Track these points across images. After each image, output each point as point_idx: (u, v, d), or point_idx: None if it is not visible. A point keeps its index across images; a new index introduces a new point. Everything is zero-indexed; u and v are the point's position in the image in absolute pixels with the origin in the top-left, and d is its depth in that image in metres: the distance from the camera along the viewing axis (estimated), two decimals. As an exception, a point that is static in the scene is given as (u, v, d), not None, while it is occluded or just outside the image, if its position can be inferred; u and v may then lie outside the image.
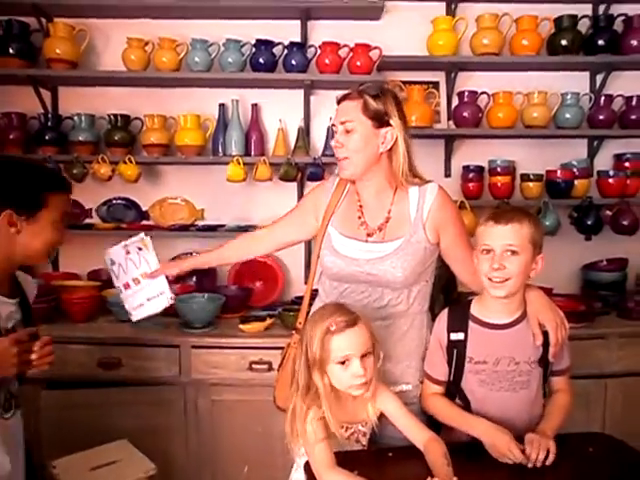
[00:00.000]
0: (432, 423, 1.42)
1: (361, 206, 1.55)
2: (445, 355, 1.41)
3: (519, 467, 1.23)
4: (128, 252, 1.73)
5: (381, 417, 1.36)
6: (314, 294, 1.66)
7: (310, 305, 1.64)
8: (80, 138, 2.52)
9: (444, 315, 1.44)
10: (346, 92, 1.51)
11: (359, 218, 1.54)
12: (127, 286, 1.73)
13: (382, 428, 1.38)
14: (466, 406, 1.40)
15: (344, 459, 1.23)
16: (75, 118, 2.54)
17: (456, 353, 1.39)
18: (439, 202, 1.49)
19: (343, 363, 1.26)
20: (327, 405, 1.27)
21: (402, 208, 1.51)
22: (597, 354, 2.25)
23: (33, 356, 1.21)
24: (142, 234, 1.77)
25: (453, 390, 1.43)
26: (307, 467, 1.27)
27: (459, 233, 1.52)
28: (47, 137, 2.51)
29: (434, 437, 1.28)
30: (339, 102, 1.51)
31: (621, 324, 2.36)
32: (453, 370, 1.41)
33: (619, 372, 2.27)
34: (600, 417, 2.28)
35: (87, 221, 2.65)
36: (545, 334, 1.37)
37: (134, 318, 1.75)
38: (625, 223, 2.57)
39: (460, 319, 1.41)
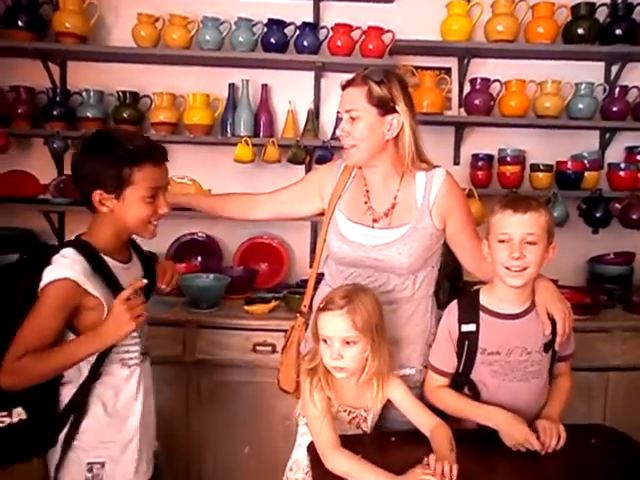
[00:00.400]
0: (436, 409, 1.42)
1: (367, 191, 1.54)
2: (455, 347, 1.40)
3: (524, 455, 1.24)
4: None
5: (385, 403, 1.36)
6: (320, 278, 1.66)
7: (315, 289, 1.64)
8: (88, 114, 2.50)
9: (454, 307, 1.43)
10: (350, 78, 1.48)
11: (365, 203, 1.53)
12: None
13: (385, 412, 1.39)
14: (475, 396, 1.40)
15: (347, 442, 1.24)
16: (84, 94, 2.52)
17: (467, 345, 1.38)
18: (446, 188, 1.48)
19: (326, 342, 1.29)
20: (324, 375, 1.30)
21: (409, 194, 1.50)
22: (601, 347, 2.25)
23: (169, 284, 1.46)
24: None
25: (461, 381, 1.42)
26: (310, 448, 1.27)
27: (466, 220, 1.52)
28: (55, 112, 2.49)
29: (440, 423, 1.29)
30: (343, 88, 1.48)
31: (626, 318, 2.36)
32: (464, 362, 1.40)
33: (622, 366, 2.27)
34: (601, 410, 2.29)
35: (93, 198, 2.64)
36: (552, 323, 1.37)
37: None
38: (634, 217, 2.54)
39: (470, 310, 1.40)
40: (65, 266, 1.23)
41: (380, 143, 1.46)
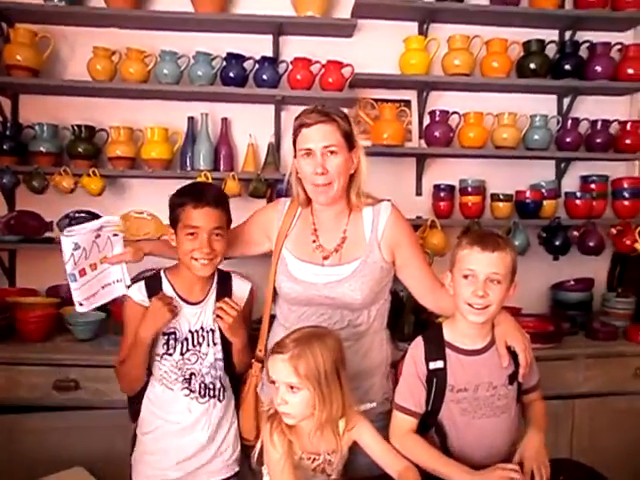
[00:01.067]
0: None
1: (316, 229, 1.53)
2: (424, 385, 1.36)
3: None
4: (98, 236, 1.56)
5: (351, 446, 1.32)
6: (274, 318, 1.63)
7: (269, 331, 1.61)
8: (41, 149, 2.42)
9: (420, 344, 1.39)
10: (313, 115, 1.44)
11: (314, 242, 1.52)
12: (83, 273, 1.54)
13: (351, 454, 1.34)
14: (442, 440, 1.36)
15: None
16: (36, 128, 2.43)
17: (436, 382, 1.35)
18: (393, 220, 1.50)
19: (274, 383, 1.25)
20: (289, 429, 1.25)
21: (357, 229, 1.50)
22: (565, 375, 2.26)
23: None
24: (117, 218, 1.59)
25: (429, 422, 1.38)
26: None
27: (414, 251, 1.53)
28: (5, 146, 2.39)
29: (408, 466, 1.25)
30: (309, 125, 1.43)
31: (588, 344, 2.38)
32: (432, 400, 1.36)
33: (586, 392, 2.29)
34: (568, 437, 2.29)
35: (47, 234, 2.53)
36: (513, 354, 1.37)
37: (84, 309, 1.56)
38: (591, 244, 2.60)
39: (436, 347, 1.38)
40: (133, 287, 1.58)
41: (347, 178, 1.47)
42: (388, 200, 1.56)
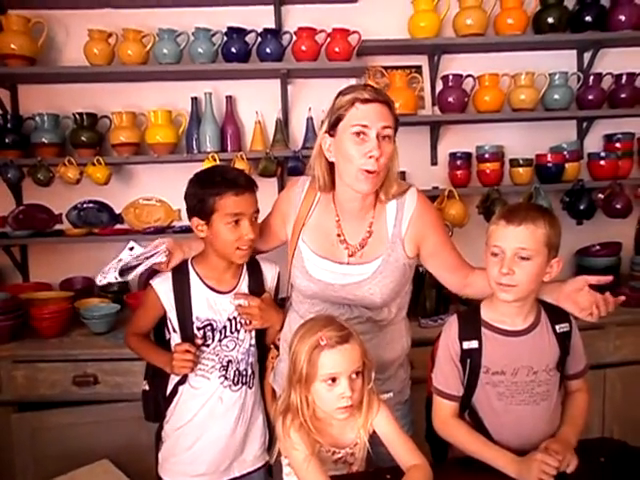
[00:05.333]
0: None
1: (339, 221, 1.41)
2: (459, 366, 1.29)
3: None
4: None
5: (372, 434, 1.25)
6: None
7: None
8: (44, 140, 2.36)
9: (454, 323, 1.32)
10: (368, 91, 1.28)
11: (338, 235, 1.40)
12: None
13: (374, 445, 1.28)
14: (477, 424, 1.30)
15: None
16: (37, 118, 2.37)
17: (470, 363, 1.28)
18: (418, 213, 1.37)
19: (333, 381, 1.15)
20: (311, 425, 1.18)
21: (381, 223, 1.39)
22: (595, 344, 2.19)
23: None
24: (162, 253, 1.48)
25: (463, 403, 1.31)
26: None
27: (442, 240, 1.41)
28: (7, 140, 2.34)
29: (420, 465, 1.17)
30: (367, 101, 1.27)
31: (618, 312, 2.24)
32: (466, 382, 1.29)
33: (617, 361, 2.23)
34: (599, 407, 2.23)
35: (57, 227, 2.50)
36: (563, 337, 1.29)
37: (104, 281, 1.48)
38: (618, 206, 2.50)
39: (472, 326, 1.30)
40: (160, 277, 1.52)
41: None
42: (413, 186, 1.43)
